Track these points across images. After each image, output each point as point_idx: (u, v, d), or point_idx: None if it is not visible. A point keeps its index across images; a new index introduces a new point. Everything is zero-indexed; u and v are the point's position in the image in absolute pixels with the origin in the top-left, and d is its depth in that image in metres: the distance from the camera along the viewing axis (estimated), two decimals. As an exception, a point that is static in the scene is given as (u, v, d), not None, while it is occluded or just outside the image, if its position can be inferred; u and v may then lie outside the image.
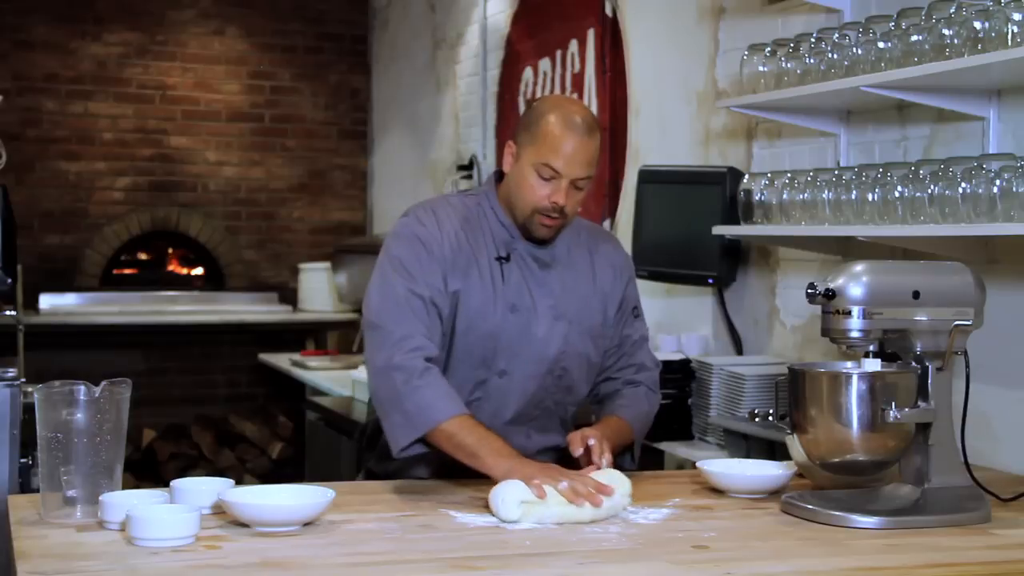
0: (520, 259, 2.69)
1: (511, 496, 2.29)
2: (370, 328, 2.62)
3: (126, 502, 2.18)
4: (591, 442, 2.54)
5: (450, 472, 2.63)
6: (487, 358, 2.66)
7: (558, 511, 2.29)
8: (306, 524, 2.24)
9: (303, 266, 7.81)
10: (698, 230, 3.96)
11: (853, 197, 3.12)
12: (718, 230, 3.77)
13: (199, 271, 8.15)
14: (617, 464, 2.58)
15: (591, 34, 5.21)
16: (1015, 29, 2.70)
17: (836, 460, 2.42)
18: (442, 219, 2.67)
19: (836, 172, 3.27)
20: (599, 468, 2.47)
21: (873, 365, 2.40)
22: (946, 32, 2.87)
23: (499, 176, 2.75)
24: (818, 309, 2.44)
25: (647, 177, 4.36)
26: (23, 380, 3.40)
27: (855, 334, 2.38)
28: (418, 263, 2.62)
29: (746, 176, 3.70)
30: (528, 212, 2.63)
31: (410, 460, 2.66)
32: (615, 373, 2.84)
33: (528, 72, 5.85)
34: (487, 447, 2.48)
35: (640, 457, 2.86)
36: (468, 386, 2.67)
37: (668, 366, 3.89)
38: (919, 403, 2.38)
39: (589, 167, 2.59)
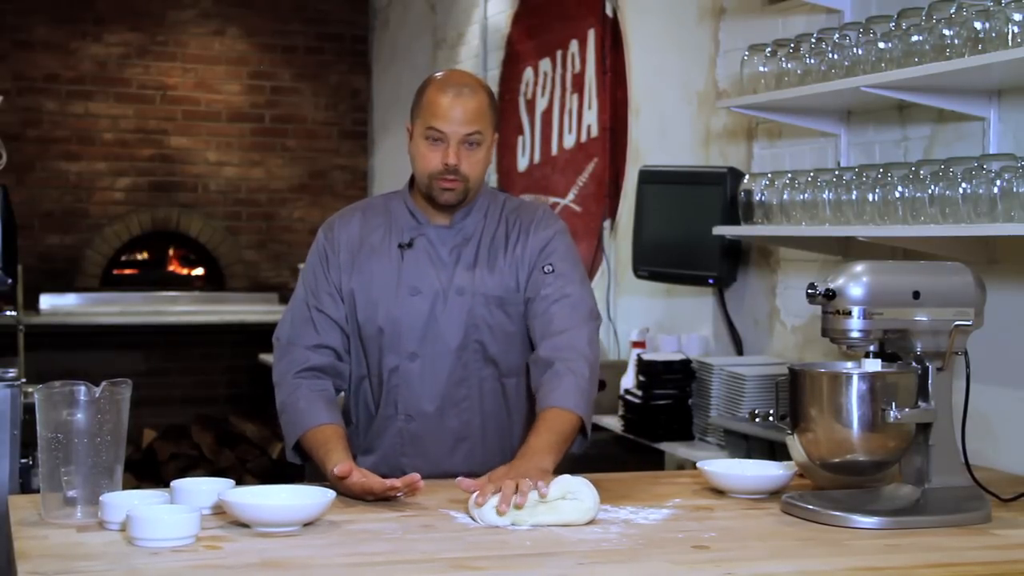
0: (427, 243, 2.75)
1: (486, 503, 2.29)
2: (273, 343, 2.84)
3: (126, 502, 2.18)
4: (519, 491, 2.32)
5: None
6: (394, 343, 2.72)
7: (534, 516, 2.28)
8: (306, 524, 2.23)
9: (303, 266, 7.80)
10: (698, 230, 3.96)
11: (853, 197, 3.12)
12: (718, 230, 3.77)
13: (199, 271, 8.15)
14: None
15: (591, 34, 5.22)
16: (1015, 29, 2.70)
17: (836, 460, 2.42)
18: (341, 225, 2.81)
19: (836, 172, 3.27)
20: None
21: (873, 365, 2.40)
22: (946, 32, 2.87)
23: None
24: (818, 309, 2.44)
25: (647, 177, 4.36)
26: (23, 380, 3.40)
27: (855, 334, 2.38)
28: (313, 276, 2.81)
29: (746, 176, 3.70)
30: (427, 180, 2.70)
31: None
32: (536, 340, 2.70)
33: (528, 72, 5.85)
34: (327, 453, 2.57)
35: (642, 459, 2.84)
36: (385, 374, 2.73)
37: (668, 366, 3.90)
38: (919, 403, 2.38)
39: (473, 123, 2.65)
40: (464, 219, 2.76)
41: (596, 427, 3.88)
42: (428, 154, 2.67)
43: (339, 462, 2.47)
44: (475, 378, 2.74)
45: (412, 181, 2.80)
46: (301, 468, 2.78)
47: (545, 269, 2.73)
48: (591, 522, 2.29)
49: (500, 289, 2.73)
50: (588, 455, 2.69)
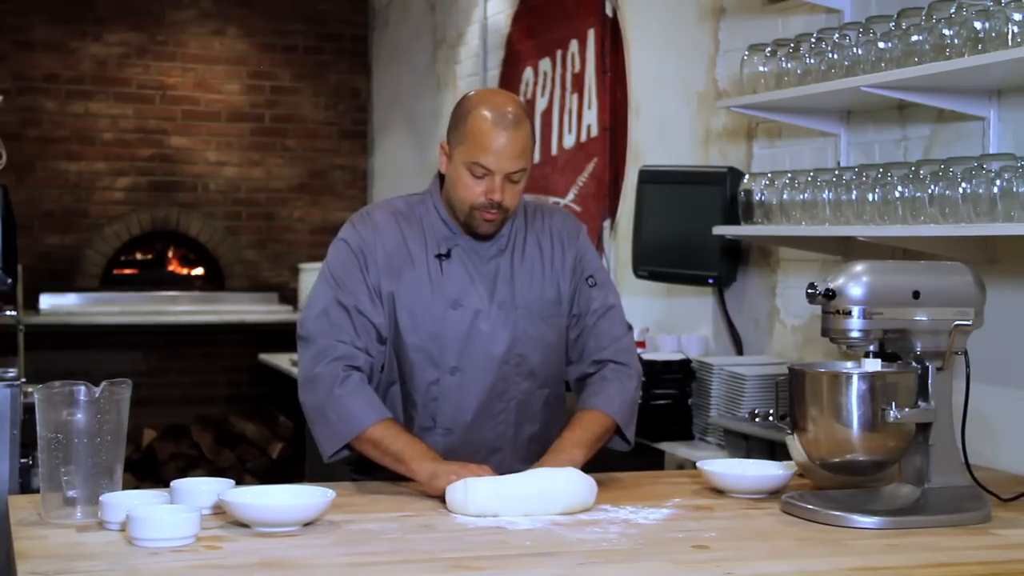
0: (463, 254, 2.70)
1: (480, 488, 2.33)
2: (299, 340, 2.68)
3: (126, 502, 2.18)
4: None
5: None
6: (435, 357, 2.67)
7: (525, 505, 2.33)
8: (306, 524, 2.24)
9: (303, 266, 7.80)
10: (698, 230, 3.96)
11: (853, 197, 3.12)
12: (718, 230, 3.77)
13: (199, 271, 8.15)
14: (609, 448, 2.67)
15: (591, 34, 5.22)
16: (1015, 29, 2.70)
17: (836, 460, 2.42)
18: (379, 223, 2.71)
19: (836, 172, 3.27)
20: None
21: (873, 365, 2.40)
22: (946, 32, 2.87)
23: (442, 175, 2.76)
24: (818, 309, 2.44)
25: (647, 177, 4.36)
26: (23, 380, 3.41)
27: (855, 334, 2.38)
28: (347, 273, 2.67)
29: (746, 176, 3.70)
30: (467, 210, 2.64)
31: (376, 468, 2.72)
32: (582, 350, 2.76)
33: (528, 72, 5.85)
34: (411, 451, 2.52)
35: (642, 459, 2.85)
36: (423, 387, 2.68)
37: (668, 366, 3.90)
38: (919, 403, 2.38)
39: (520, 160, 2.59)
40: (498, 229, 2.71)
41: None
42: (472, 186, 2.60)
43: (428, 458, 2.48)
44: (514, 391, 2.71)
45: (440, 187, 2.73)
46: (301, 468, 2.76)
47: (589, 282, 2.76)
48: (560, 513, 2.34)
49: (542, 302, 2.72)
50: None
